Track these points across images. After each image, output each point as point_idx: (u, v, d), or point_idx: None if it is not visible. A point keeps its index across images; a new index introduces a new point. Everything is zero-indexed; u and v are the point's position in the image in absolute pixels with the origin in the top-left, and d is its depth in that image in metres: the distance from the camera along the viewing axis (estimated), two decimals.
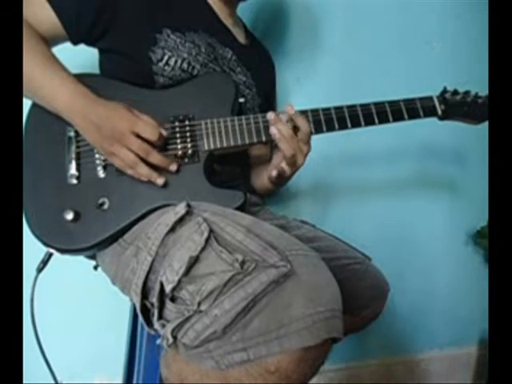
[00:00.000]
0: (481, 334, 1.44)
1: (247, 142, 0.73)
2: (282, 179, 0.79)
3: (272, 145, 0.83)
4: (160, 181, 0.67)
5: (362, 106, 0.77)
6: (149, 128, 0.65)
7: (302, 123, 0.72)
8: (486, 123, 0.78)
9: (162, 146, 0.68)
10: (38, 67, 0.65)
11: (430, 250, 1.37)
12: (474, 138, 1.22)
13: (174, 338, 0.54)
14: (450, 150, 1.37)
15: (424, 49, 1.35)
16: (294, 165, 0.74)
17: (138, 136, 0.64)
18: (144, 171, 0.66)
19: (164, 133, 0.67)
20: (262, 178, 0.87)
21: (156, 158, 0.66)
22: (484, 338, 1.43)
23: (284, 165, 0.74)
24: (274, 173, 0.76)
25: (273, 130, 0.71)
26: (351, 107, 0.76)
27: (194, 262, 0.54)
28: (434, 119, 0.82)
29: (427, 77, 1.19)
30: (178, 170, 0.69)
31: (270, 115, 0.72)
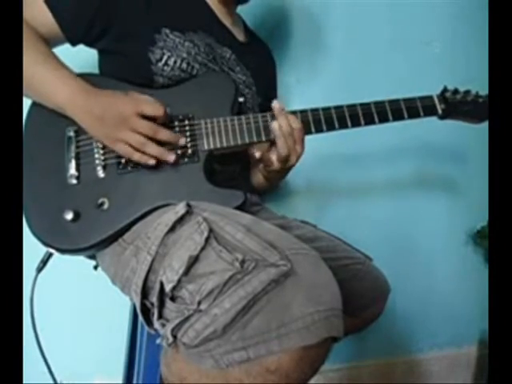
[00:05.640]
0: (481, 334, 1.44)
1: (247, 141, 0.73)
2: (268, 170, 0.79)
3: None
4: (171, 157, 0.67)
5: (361, 105, 0.77)
6: (152, 105, 0.66)
7: (293, 120, 0.72)
8: (486, 123, 0.79)
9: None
10: (38, 65, 0.65)
11: (429, 250, 1.36)
12: (474, 137, 1.22)
13: (174, 337, 0.54)
14: (449, 149, 1.37)
15: (424, 49, 1.35)
16: (286, 163, 0.74)
17: (143, 117, 0.65)
18: (154, 150, 0.66)
19: (167, 110, 0.67)
20: (258, 176, 0.87)
21: (165, 134, 0.67)
22: (484, 338, 1.43)
23: (274, 158, 0.74)
24: (258, 154, 0.75)
25: (274, 125, 0.71)
26: (351, 106, 0.76)
27: (193, 261, 0.55)
28: (433, 119, 0.82)
29: (427, 77, 1.18)
30: (177, 169, 0.69)
31: (276, 103, 0.72)
